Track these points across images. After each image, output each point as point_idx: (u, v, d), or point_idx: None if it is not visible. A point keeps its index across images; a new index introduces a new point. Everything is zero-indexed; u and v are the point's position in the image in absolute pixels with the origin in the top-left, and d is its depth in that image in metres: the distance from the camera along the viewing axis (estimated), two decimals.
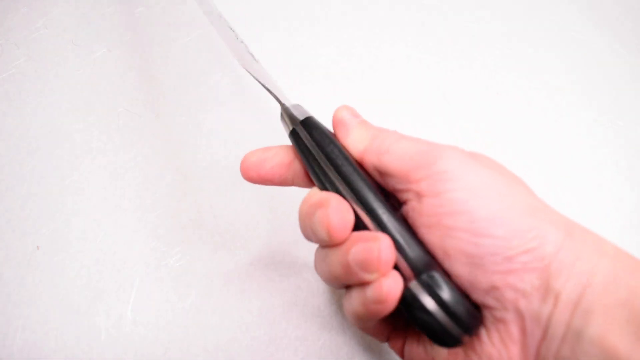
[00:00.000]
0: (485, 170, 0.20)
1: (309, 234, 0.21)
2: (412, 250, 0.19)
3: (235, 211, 0.33)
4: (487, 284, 0.18)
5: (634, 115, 0.39)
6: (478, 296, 0.19)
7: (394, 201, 0.22)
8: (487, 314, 0.19)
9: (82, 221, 0.32)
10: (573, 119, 0.39)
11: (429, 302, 0.18)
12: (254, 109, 0.38)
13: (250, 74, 0.27)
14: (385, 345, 0.29)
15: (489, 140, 0.37)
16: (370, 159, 0.21)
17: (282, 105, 0.25)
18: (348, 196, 0.21)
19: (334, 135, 0.24)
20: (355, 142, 0.23)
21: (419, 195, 0.19)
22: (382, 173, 0.21)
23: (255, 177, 0.24)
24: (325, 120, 0.25)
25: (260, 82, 0.27)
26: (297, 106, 0.25)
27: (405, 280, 0.19)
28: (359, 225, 0.20)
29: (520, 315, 0.18)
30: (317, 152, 0.22)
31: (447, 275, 0.19)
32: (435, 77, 0.40)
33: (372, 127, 0.23)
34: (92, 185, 0.34)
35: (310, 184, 0.24)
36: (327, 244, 0.20)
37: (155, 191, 0.34)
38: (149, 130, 0.36)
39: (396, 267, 0.19)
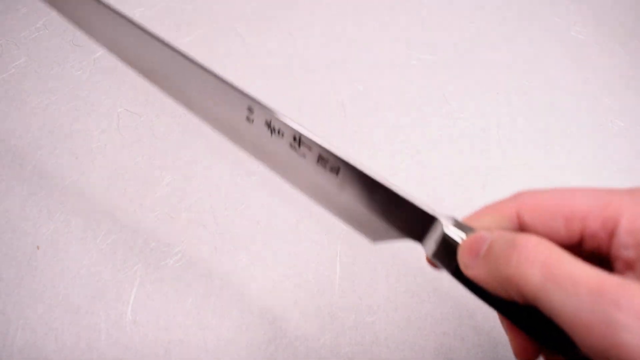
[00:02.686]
0: None
1: None
2: None
3: (235, 211, 0.33)
4: None
5: (634, 115, 0.39)
6: None
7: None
8: None
9: (82, 221, 0.32)
10: (573, 118, 0.39)
11: None
12: None
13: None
14: (385, 347, 0.29)
15: (489, 141, 0.37)
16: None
17: (441, 222, 0.19)
18: None
19: None
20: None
21: None
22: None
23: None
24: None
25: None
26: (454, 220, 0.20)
27: None
28: None
29: None
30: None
31: None
32: (435, 77, 0.40)
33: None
34: (92, 185, 0.34)
35: None
36: None
37: (155, 191, 0.34)
38: (149, 130, 0.36)
39: None
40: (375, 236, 0.22)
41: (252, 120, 0.24)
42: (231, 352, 0.28)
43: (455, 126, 0.38)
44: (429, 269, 0.31)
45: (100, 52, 0.41)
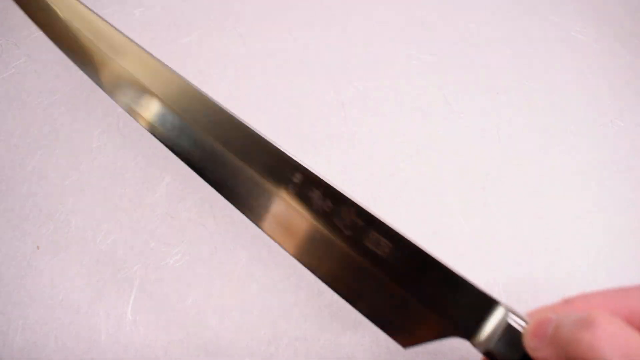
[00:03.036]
0: None
1: None
2: None
3: (235, 211, 0.33)
4: None
5: (634, 115, 0.39)
6: None
7: None
8: None
9: (82, 221, 0.32)
10: (573, 118, 0.39)
11: None
12: (254, 109, 0.38)
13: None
14: (385, 347, 0.29)
15: (489, 140, 0.37)
16: None
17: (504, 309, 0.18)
18: None
19: None
20: None
21: None
22: None
23: None
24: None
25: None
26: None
27: None
28: None
29: None
30: None
31: None
32: (435, 77, 0.40)
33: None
34: (92, 185, 0.34)
35: None
36: None
37: (155, 191, 0.34)
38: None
39: None
40: (410, 337, 0.20)
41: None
42: (231, 352, 0.28)
43: (455, 126, 0.38)
44: None
45: None
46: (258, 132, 0.24)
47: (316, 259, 0.22)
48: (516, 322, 0.18)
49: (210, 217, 0.33)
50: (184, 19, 0.43)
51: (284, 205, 0.23)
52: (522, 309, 0.29)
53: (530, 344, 0.17)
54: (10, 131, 0.36)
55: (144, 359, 0.28)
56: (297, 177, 0.23)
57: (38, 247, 0.31)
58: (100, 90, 0.38)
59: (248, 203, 0.24)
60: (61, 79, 0.39)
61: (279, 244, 0.23)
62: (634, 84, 0.41)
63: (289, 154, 0.23)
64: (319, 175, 0.22)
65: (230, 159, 0.25)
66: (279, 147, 0.23)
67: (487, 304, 0.19)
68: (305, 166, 0.23)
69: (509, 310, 0.19)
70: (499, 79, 0.41)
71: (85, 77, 0.39)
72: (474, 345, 0.19)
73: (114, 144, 0.36)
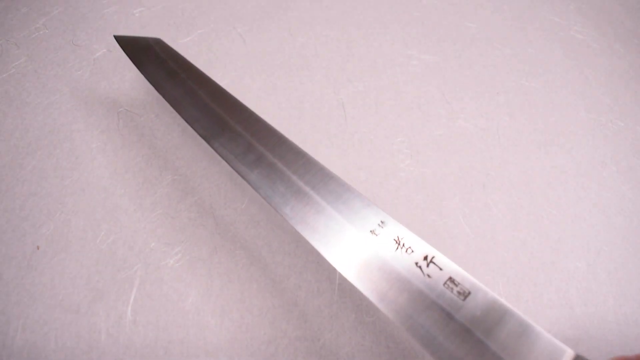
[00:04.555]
0: None
1: None
2: None
3: (235, 211, 0.33)
4: None
5: (634, 115, 0.39)
6: None
7: None
8: None
9: (82, 221, 0.32)
10: (573, 118, 0.39)
11: None
12: (254, 109, 0.38)
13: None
14: (385, 347, 0.29)
15: (489, 140, 0.37)
16: None
17: None
18: None
19: None
20: None
21: None
22: None
23: None
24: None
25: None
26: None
27: None
28: None
29: None
30: None
31: None
32: (435, 77, 0.40)
33: None
34: (92, 185, 0.34)
35: None
36: None
37: (155, 191, 0.34)
38: (149, 130, 0.36)
39: None
40: None
41: (377, 234, 0.23)
42: (231, 352, 0.28)
43: (455, 126, 0.38)
44: None
45: (100, 52, 0.41)
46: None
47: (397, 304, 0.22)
48: None
49: (210, 217, 0.33)
50: (184, 19, 0.43)
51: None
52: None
53: None
54: (10, 131, 0.36)
55: (144, 359, 0.28)
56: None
57: (38, 247, 0.31)
58: (100, 90, 0.39)
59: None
60: (61, 79, 0.39)
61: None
62: (634, 84, 0.41)
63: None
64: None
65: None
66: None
67: (558, 352, 0.19)
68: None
69: (580, 356, 0.19)
70: (499, 79, 0.41)
71: (85, 76, 0.39)
72: None
73: (114, 144, 0.36)
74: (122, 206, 0.33)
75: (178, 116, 0.37)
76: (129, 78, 0.39)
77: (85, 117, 0.37)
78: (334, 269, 0.31)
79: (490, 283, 0.31)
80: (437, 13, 0.45)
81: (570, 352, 0.19)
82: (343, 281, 0.31)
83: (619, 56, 0.43)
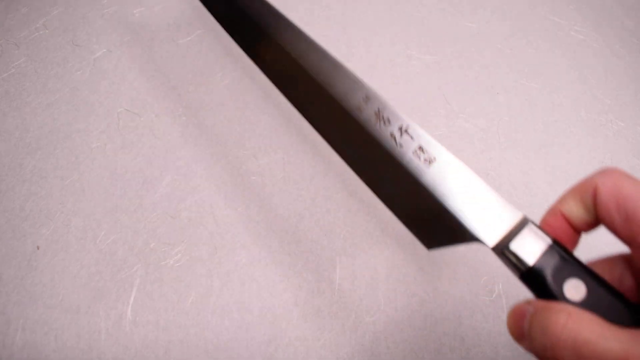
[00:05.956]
0: None
1: None
2: None
3: (235, 211, 0.33)
4: None
5: (634, 115, 0.39)
6: None
7: None
8: None
9: (82, 221, 0.32)
10: (573, 119, 0.39)
11: None
12: (254, 109, 0.38)
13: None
14: (385, 347, 0.29)
15: (489, 140, 0.37)
16: None
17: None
18: None
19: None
20: None
21: None
22: None
23: None
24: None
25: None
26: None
27: None
28: None
29: None
30: None
31: None
32: (435, 77, 0.40)
33: None
34: (92, 185, 0.34)
35: None
36: None
37: (155, 191, 0.34)
38: (149, 130, 0.36)
39: None
40: (436, 240, 0.22)
41: (362, 110, 0.25)
42: (231, 352, 0.28)
43: (455, 126, 0.38)
44: (429, 269, 0.31)
45: (100, 52, 0.41)
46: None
47: (361, 163, 0.25)
48: (533, 229, 0.20)
49: (210, 217, 0.33)
50: (184, 19, 0.43)
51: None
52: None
53: (512, 335, 0.20)
54: (10, 131, 0.36)
55: (144, 359, 0.28)
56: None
57: (38, 247, 0.31)
58: (100, 90, 0.39)
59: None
60: (61, 79, 0.39)
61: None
62: (634, 84, 0.41)
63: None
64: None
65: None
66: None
67: (507, 213, 0.21)
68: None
69: (527, 219, 0.21)
70: (499, 79, 0.41)
71: (85, 77, 0.39)
72: (493, 250, 0.21)
73: (114, 144, 0.36)
74: (122, 206, 0.33)
75: (178, 116, 0.37)
76: (129, 78, 0.39)
77: (85, 117, 0.37)
78: (334, 269, 0.31)
79: (489, 282, 0.31)
80: (437, 13, 0.45)
81: (519, 214, 0.21)
82: (343, 281, 0.31)
83: (619, 56, 0.43)
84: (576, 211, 0.20)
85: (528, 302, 0.19)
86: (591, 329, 0.16)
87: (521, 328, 0.19)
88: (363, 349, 0.29)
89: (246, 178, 0.34)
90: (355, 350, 0.29)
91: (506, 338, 0.29)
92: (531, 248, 0.20)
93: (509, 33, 0.44)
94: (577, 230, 0.21)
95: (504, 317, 0.29)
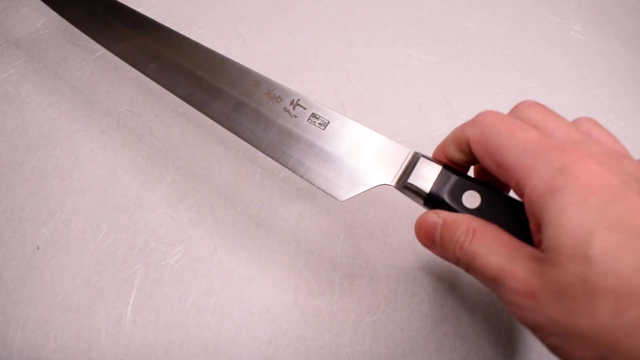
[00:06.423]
0: None
1: None
2: None
3: (235, 211, 0.33)
4: None
5: (634, 115, 0.39)
6: None
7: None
8: None
9: (82, 221, 0.32)
10: (573, 119, 0.39)
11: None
12: None
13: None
14: (385, 347, 0.29)
15: None
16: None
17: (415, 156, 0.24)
18: None
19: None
20: None
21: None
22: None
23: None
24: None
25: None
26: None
27: None
28: None
29: None
30: None
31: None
32: (435, 77, 0.40)
33: None
34: (92, 185, 0.34)
35: None
36: None
37: (155, 191, 0.34)
38: (149, 130, 0.36)
39: None
40: (345, 191, 0.24)
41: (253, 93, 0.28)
42: (231, 352, 0.28)
43: (455, 126, 0.38)
44: (429, 269, 0.31)
45: (100, 52, 0.41)
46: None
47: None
48: (425, 161, 0.23)
49: (210, 217, 0.33)
50: (184, 19, 0.43)
51: None
52: None
53: (423, 244, 0.22)
54: (10, 131, 0.36)
55: (144, 359, 0.28)
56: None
57: (38, 247, 0.31)
58: (100, 90, 0.39)
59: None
60: (61, 79, 0.39)
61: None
62: (634, 84, 0.41)
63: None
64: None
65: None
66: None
67: (400, 153, 0.24)
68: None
69: (419, 154, 0.24)
70: (499, 79, 0.41)
71: (85, 76, 0.39)
72: (396, 187, 0.24)
73: (114, 144, 0.36)
74: (122, 206, 0.33)
75: (178, 116, 0.37)
76: (129, 78, 0.39)
77: (85, 117, 0.37)
78: (334, 269, 0.31)
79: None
80: (437, 13, 0.45)
81: (411, 150, 0.24)
82: (343, 281, 0.31)
83: (619, 56, 0.43)
84: (457, 156, 0.23)
85: (435, 213, 0.22)
86: (485, 243, 0.19)
87: (432, 239, 0.21)
88: (363, 349, 0.29)
89: (246, 178, 0.34)
90: (355, 350, 0.29)
91: (507, 338, 0.29)
92: (427, 176, 0.23)
93: (509, 33, 0.44)
94: (464, 166, 0.23)
95: (504, 317, 0.29)
